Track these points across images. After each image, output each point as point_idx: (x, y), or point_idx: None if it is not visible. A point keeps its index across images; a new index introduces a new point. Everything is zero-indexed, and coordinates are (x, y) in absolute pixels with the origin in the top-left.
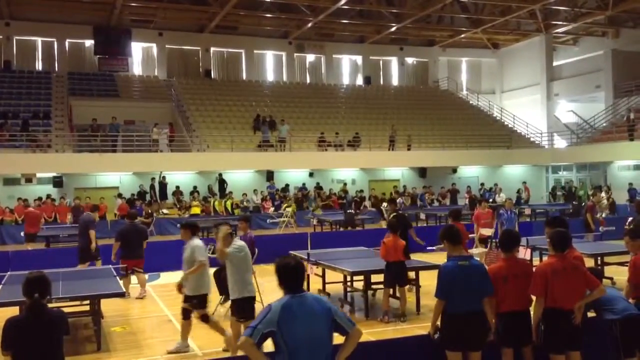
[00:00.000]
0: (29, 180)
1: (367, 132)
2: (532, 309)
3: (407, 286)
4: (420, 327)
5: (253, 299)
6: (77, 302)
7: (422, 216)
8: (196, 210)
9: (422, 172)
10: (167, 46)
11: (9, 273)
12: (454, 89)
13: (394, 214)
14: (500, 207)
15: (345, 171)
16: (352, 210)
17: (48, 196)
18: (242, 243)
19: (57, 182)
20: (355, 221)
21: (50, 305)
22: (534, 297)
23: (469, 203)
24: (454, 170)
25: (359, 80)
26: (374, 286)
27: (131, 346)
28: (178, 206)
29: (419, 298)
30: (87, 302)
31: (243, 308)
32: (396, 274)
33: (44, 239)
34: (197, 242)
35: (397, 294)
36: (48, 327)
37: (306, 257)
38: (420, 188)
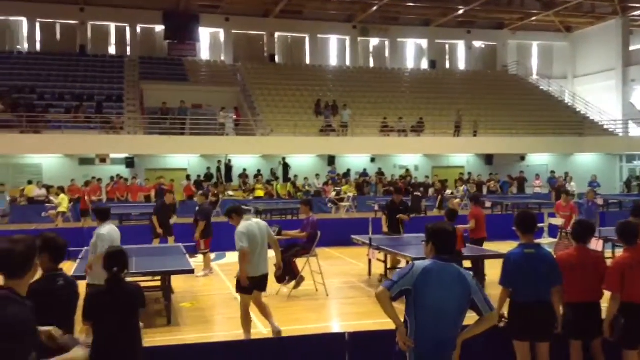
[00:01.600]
0: (103, 160)
1: (432, 117)
2: (604, 302)
3: None
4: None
5: (255, 278)
6: (149, 278)
7: (488, 204)
8: (260, 193)
9: (488, 159)
10: (233, 31)
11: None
12: (524, 74)
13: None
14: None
15: (408, 157)
16: (419, 194)
17: (120, 176)
18: (249, 223)
19: (129, 162)
20: (420, 207)
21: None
22: (606, 291)
23: (554, 194)
24: (522, 158)
25: (424, 65)
26: None
27: (199, 322)
28: (243, 188)
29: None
30: (159, 277)
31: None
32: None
33: (117, 217)
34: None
35: None
36: (126, 300)
37: (368, 242)
38: (486, 175)
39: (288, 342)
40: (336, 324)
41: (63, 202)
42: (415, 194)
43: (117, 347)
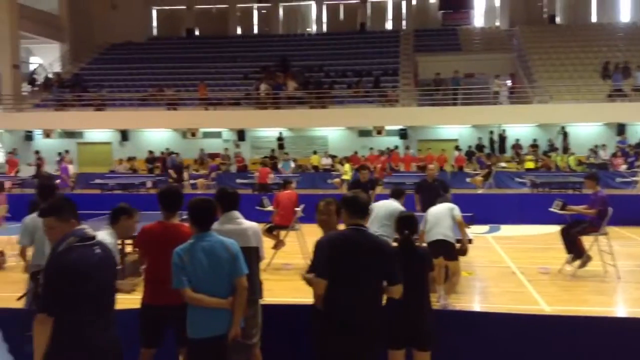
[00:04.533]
0: (379, 132)
1: None
2: None
3: None
4: None
5: None
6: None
7: None
8: (530, 165)
9: None
10: None
11: None
12: None
13: None
14: None
15: None
16: None
17: (395, 147)
18: None
19: (403, 134)
20: None
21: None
22: None
23: None
24: None
25: None
26: None
27: (476, 292)
28: (517, 160)
29: None
30: None
31: None
32: None
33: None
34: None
35: None
36: (417, 262)
37: None
38: None
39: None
40: (630, 310)
41: (348, 171)
42: None
43: (409, 307)
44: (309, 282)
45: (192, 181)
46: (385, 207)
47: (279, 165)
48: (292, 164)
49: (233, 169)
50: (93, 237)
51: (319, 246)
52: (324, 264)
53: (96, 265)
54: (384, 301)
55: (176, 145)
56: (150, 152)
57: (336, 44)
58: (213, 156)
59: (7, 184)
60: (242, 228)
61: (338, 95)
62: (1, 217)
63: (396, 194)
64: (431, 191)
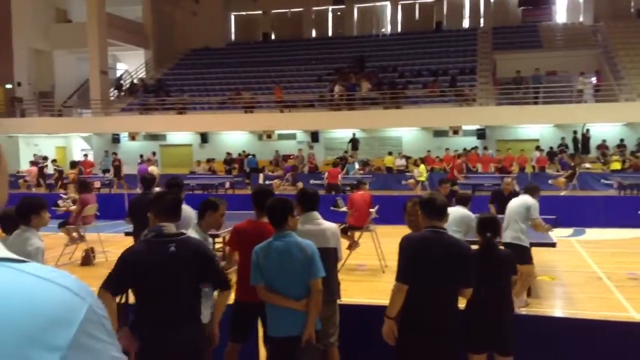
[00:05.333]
0: (455, 132)
1: None
2: None
3: None
4: None
5: None
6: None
7: None
8: (616, 165)
9: None
10: None
11: None
12: None
13: None
14: None
15: None
16: None
17: (474, 148)
18: None
19: (480, 134)
20: None
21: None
22: None
23: None
24: None
25: None
26: None
27: (559, 297)
28: (602, 160)
29: None
30: None
31: None
32: None
33: (470, 187)
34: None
35: None
36: (498, 265)
37: None
38: None
39: None
40: None
41: (423, 172)
42: None
43: (489, 311)
44: (393, 291)
45: (267, 182)
46: (453, 214)
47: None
48: (357, 166)
49: (305, 170)
50: (170, 235)
51: (400, 249)
52: (404, 267)
53: (163, 262)
54: (463, 304)
55: (252, 147)
56: (228, 153)
57: (411, 43)
58: (287, 157)
59: (96, 184)
60: (321, 229)
61: (412, 95)
62: (91, 216)
63: (463, 200)
64: (505, 204)
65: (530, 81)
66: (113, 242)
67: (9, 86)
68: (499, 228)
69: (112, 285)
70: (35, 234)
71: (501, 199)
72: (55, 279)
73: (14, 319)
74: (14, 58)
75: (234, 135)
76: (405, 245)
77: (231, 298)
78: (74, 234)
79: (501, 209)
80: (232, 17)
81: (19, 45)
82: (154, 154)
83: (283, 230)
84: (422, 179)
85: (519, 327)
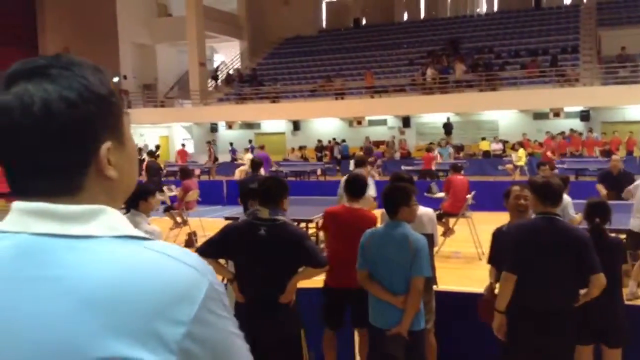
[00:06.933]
0: (556, 114)
1: None
2: None
3: None
4: None
5: None
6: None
7: None
8: None
9: None
10: None
11: None
12: None
13: None
14: None
15: None
16: None
17: (575, 131)
18: None
19: (584, 116)
20: None
21: None
22: None
23: None
24: None
25: None
26: None
27: None
28: None
29: None
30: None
31: None
32: None
33: (573, 172)
34: None
35: None
36: (607, 252)
37: None
38: None
39: None
40: None
41: (522, 157)
42: None
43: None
44: (501, 282)
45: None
46: None
47: (435, 152)
48: (450, 150)
49: (397, 156)
50: (262, 219)
51: (506, 237)
52: (513, 256)
53: (251, 243)
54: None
55: (343, 134)
56: (319, 141)
57: (508, 22)
58: (377, 144)
59: (197, 171)
60: (418, 214)
61: (509, 76)
62: (194, 201)
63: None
64: (616, 184)
65: (638, 58)
66: (214, 227)
67: (116, 79)
68: (609, 213)
69: (207, 248)
70: (145, 218)
71: (610, 178)
72: (181, 257)
73: (144, 293)
74: (119, 52)
75: (325, 123)
76: (516, 234)
77: (321, 283)
78: (178, 219)
79: (612, 189)
80: (324, 5)
81: (123, 40)
82: (250, 141)
83: (396, 220)
84: (521, 163)
85: (629, 318)
